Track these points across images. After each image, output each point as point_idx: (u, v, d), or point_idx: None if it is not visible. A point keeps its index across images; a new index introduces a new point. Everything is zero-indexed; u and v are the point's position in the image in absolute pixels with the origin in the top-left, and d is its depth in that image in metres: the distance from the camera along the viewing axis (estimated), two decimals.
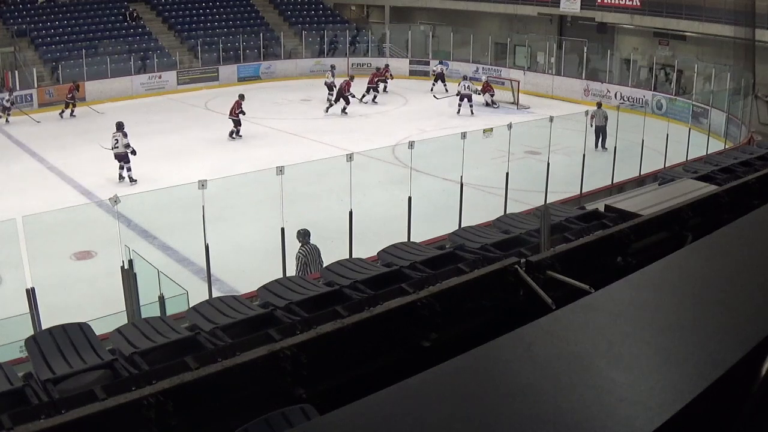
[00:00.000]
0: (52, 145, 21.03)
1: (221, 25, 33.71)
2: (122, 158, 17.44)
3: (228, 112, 21.74)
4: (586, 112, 18.16)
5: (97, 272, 11.53)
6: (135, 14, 32.42)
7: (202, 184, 9.58)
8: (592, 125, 19.28)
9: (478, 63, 31.62)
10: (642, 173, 15.73)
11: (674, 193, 6.89)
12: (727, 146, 19.10)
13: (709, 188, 6.72)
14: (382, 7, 37.98)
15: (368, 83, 27.35)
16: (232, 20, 34.32)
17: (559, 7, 30.64)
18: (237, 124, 21.54)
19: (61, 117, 25.02)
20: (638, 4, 28.23)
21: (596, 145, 19.42)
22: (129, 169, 17.40)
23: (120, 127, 17.58)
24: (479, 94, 26.47)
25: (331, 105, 25.33)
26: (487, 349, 1.56)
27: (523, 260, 3.87)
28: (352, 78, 26.39)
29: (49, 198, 15.15)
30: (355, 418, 1.34)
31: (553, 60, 30.39)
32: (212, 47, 31.68)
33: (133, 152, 17.39)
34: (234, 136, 21.57)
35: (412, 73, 33.11)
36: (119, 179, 17.43)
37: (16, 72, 27.14)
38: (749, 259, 2.14)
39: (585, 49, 28.58)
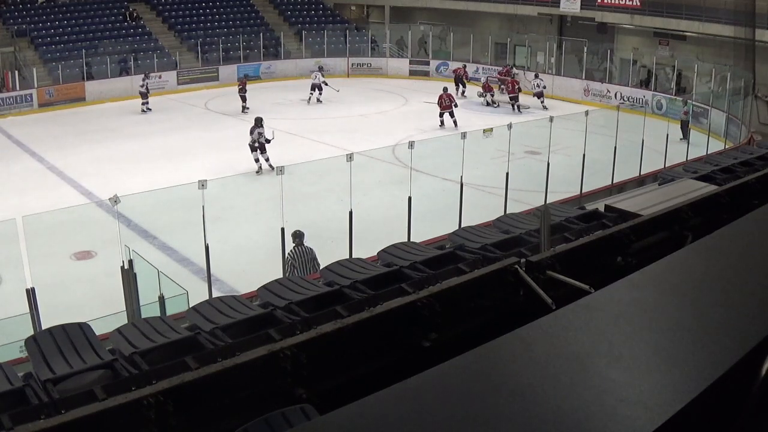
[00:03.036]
0: (52, 145, 21.02)
1: (221, 25, 33.70)
2: (259, 149, 18.24)
3: None
4: (586, 112, 18.18)
5: (97, 272, 11.52)
6: (135, 14, 32.41)
7: (202, 184, 9.58)
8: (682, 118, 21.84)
9: (478, 63, 31.63)
10: (642, 173, 15.72)
11: (674, 193, 6.89)
12: (727, 146, 19.10)
13: (709, 188, 6.72)
14: (382, 7, 37.96)
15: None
16: (232, 20, 34.30)
17: (559, 7, 30.61)
18: None
19: (244, 112, 24.84)
20: (638, 4, 28.20)
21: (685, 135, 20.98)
22: (267, 159, 17.99)
23: (258, 122, 18.50)
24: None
25: (309, 99, 26.92)
26: (487, 349, 1.56)
27: (523, 260, 3.86)
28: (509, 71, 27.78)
29: (49, 198, 15.15)
30: (355, 418, 1.34)
31: (553, 60, 30.38)
32: (212, 47, 31.68)
33: (267, 141, 18.10)
34: None
35: (412, 73, 33.14)
36: (258, 171, 18.01)
37: (16, 72, 27.13)
38: (749, 259, 2.14)
39: (585, 49, 28.58)
